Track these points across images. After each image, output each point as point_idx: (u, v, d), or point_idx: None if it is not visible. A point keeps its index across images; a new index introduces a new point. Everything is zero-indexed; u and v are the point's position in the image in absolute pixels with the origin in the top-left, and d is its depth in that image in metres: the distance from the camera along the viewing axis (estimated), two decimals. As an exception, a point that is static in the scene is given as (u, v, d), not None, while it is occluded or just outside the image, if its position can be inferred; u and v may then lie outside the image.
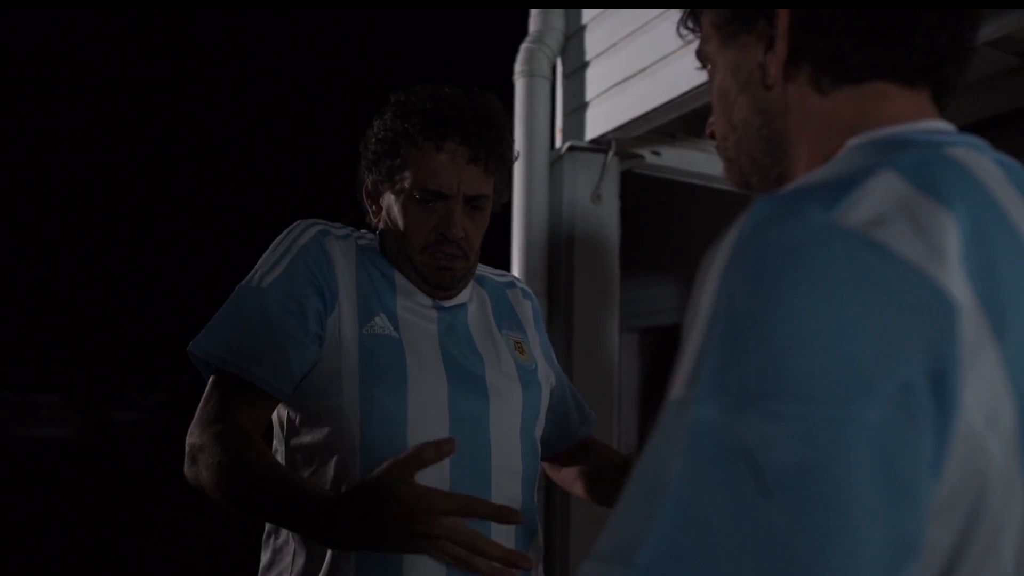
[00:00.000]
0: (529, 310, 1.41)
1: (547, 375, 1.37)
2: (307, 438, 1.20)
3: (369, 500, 0.97)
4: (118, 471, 9.59)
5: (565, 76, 2.89)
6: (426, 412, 1.19)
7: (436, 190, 1.21)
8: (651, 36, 2.46)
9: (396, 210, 1.24)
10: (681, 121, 2.61)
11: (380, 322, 1.21)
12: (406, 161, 1.22)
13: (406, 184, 1.22)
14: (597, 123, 2.72)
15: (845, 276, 0.47)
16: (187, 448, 1.15)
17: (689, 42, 0.76)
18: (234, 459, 1.07)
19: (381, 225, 1.29)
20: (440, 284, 1.25)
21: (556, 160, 2.78)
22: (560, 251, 2.73)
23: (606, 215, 2.76)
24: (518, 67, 2.84)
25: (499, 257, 2.90)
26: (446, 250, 1.22)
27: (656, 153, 2.80)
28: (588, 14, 2.80)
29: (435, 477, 1.11)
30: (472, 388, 1.23)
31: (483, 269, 1.39)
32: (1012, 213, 0.54)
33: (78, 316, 18.27)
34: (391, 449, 1.11)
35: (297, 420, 1.22)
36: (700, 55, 0.73)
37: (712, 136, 0.73)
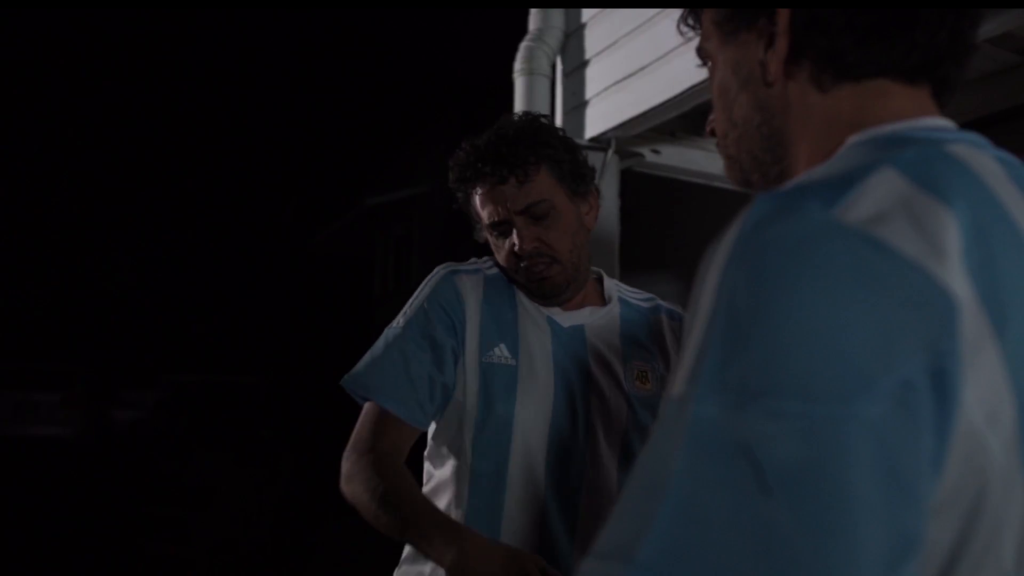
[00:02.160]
0: (676, 333, 1.44)
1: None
2: (436, 448, 1.37)
3: (491, 558, 1.11)
4: (117, 470, 9.59)
5: (565, 74, 2.88)
6: (529, 428, 1.30)
7: (495, 222, 1.33)
8: (651, 34, 2.46)
9: (491, 245, 1.39)
10: (681, 119, 2.61)
11: (499, 352, 1.34)
12: (472, 209, 1.37)
13: (482, 225, 1.37)
14: (597, 121, 2.72)
15: (846, 273, 0.47)
16: (343, 469, 1.30)
17: (689, 40, 0.76)
18: (385, 488, 1.22)
19: None
20: (544, 294, 1.36)
21: (556, 158, 2.78)
22: (560, 249, 2.73)
23: (606, 213, 2.76)
24: (518, 65, 2.84)
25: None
26: (531, 265, 1.33)
27: (656, 151, 2.80)
28: (588, 12, 2.80)
29: (530, 481, 1.28)
30: (577, 410, 1.32)
31: (627, 292, 1.49)
32: (1012, 210, 0.54)
33: (77, 315, 18.27)
34: (496, 457, 1.29)
35: (432, 436, 1.39)
36: (700, 52, 0.73)
37: (712, 134, 0.72)
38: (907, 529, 0.44)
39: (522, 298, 1.38)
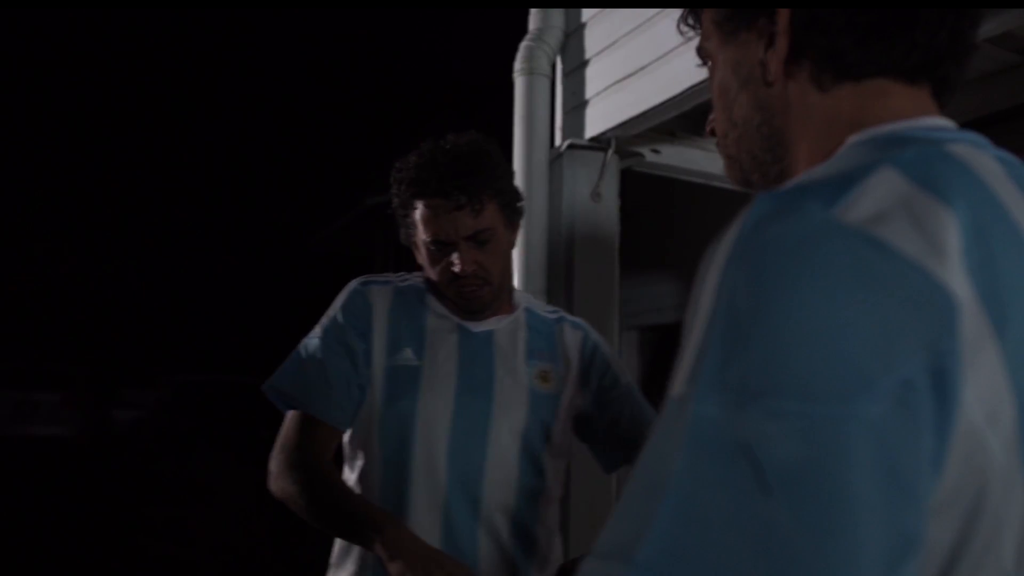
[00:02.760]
0: (577, 343, 1.53)
1: (574, 404, 1.50)
2: (352, 451, 1.48)
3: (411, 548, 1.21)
4: (118, 469, 9.58)
5: (565, 74, 2.88)
6: (431, 422, 1.39)
7: (439, 239, 1.41)
8: (651, 34, 2.46)
9: (423, 256, 1.46)
10: (681, 119, 2.60)
11: (405, 355, 1.43)
12: (413, 220, 1.43)
13: (420, 237, 1.43)
14: (597, 121, 2.72)
15: (846, 273, 0.47)
16: (271, 469, 1.40)
17: (689, 39, 0.76)
18: (312, 480, 1.34)
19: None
20: (470, 310, 1.45)
21: (556, 158, 2.78)
22: (560, 249, 2.73)
23: (606, 213, 2.76)
24: (518, 65, 2.84)
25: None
26: (464, 284, 1.41)
27: (656, 151, 2.80)
28: (588, 12, 2.79)
29: (432, 473, 1.37)
30: (478, 404, 1.41)
31: (535, 304, 1.58)
32: (1013, 210, 0.54)
33: (78, 315, 18.27)
34: (400, 451, 1.39)
35: (347, 440, 1.48)
36: (700, 52, 0.73)
37: (712, 133, 0.73)
38: (907, 529, 0.44)
39: (435, 306, 1.49)
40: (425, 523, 1.36)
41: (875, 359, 0.45)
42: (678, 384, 0.49)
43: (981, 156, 0.56)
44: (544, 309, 1.59)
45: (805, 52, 0.62)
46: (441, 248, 1.42)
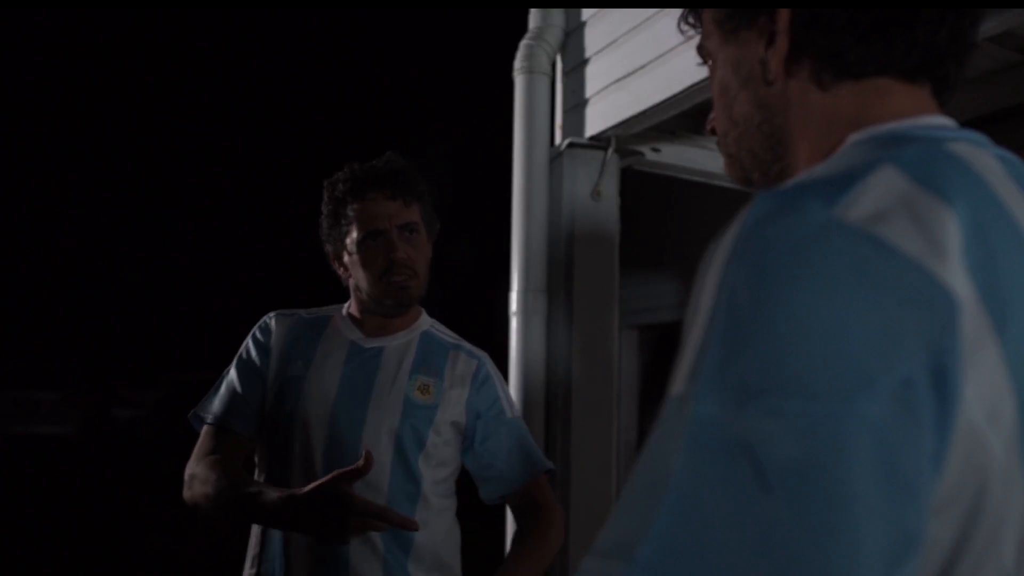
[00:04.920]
0: (470, 370, 1.63)
1: (451, 420, 1.59)
2: (257, 460, 1.65)
3: (310, 502, 1.33)
4: (118, 468, 9.59)
5: (565, 73, 2.88)
6: (309, 425, 1.54)
7: (375, 229, 1.57)
8: (651, 32, 2.46)
9: (355, 258, 1.60)
10: (681, 118, 2.60)
11: (295, 367, 1.60)
12: (348, 220, 1.59)
13: (355, 235, 1.59)
14: (597, 120, 2.72)
15: (846, 272, 0.47)
16: (184, 478, 1.57)
17: (689, 38, 0.76)
18: (218, 476, 1.50)
19: (351, 280, 1.64)
20: (400, 301, 1.58)
21: (556, 157, 2.78)
22: (560, 248, 2.73)
23: (606, 212, 2.76)
24: (518, 64, 2.84)
25: (499, 255, 2.90)
26: (396, 273, 1.56)
27: (656, 150, 2.80)
28: (588, 10, 2.79)
29: (308, 472, 1.50)
30: (355, 407, 1.54)
31: (439, 330, 1.69)
32: (1013, 209, 0.54)
33: (78, 313, 18.27)
34: (283, 451, 1.55)
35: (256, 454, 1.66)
36: (701, 51, 0.73)
37: (713, 132, 0.72)
38: (907, 527, 0.44)
39: (334, 327, 1.64)
40: None
41: (875, 358, 0.45)
42: (678, 383, 0.48)
43: (981, 155, 0.56)
44: (446, 335, 1.69)
45: (805, 51, 0.62)
46: (376, 239, 1.56)
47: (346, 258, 1.63)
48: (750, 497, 0.43)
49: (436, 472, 1.58)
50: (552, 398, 2.68)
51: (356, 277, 1.61)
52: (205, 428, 1.62)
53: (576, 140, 2.75)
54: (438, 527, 1.58)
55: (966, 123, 0.62)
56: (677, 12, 0.75)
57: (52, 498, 8.04)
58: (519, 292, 2.72)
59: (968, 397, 0.47)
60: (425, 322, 1.69)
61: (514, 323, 2.73)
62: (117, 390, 14.67)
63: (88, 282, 18.61)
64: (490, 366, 1.67)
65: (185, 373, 12.28)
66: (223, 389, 1.63)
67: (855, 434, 0.43)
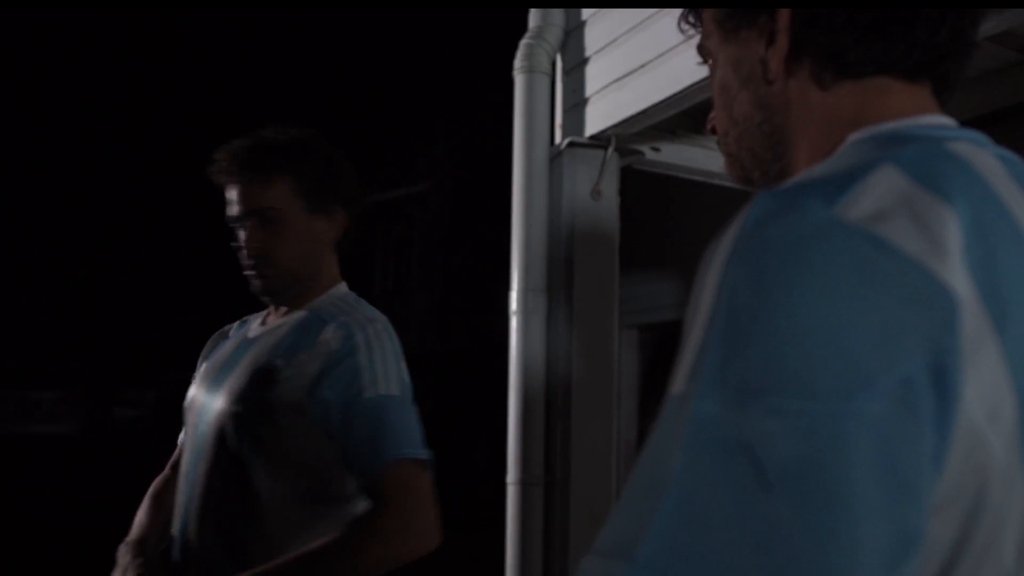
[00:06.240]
0: (336, 339, 1.40)
1: (293, 401, 1.38)
2: None
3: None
4: (118, 467, 9.59)
5: (565, 72, 2.88)
6: (191, 409, 1.54)
7: (231, 217, 1.47)
8: (651, 32, 2.46)
9: None
10: (681, 117, 2.60)
11: (203, 365, 1.62)
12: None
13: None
14: (597, 119, 2.71)
15: (846, 271, 0.47)
16: None
17: (690, 37, 0.76)
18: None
19: None
20: (259, 292, 1.51)
21: (556, 156, 2.78)
22: (560, 247, 2.73)
23: (606, 211, 2.76)
24: (517, 63, 2.84)
25: (499, 255, 2.90)
26: (246, 268, 1.48)
27: (656, 149, 2.80)
28: (588, 9, 2.79)
29: (182, 455, 1.53)
30: (212, 394, 1.49)
31: (341, 308, 1.48)
32: (1013, 208, 0.54)
33: (78, 313, 18.27)
34: (186, 437, 1.55)
35: None
36: (701, 50, 0.73)
37: (713, 131, 0.73)
38: (908, 527, 0.44)
39: (248, 325, 1.60)
40: (178, 505, 1.47)
41: (876, 357, 0.45)
42: (678, 382, 0.48)
43: (982, 154, 0.56)
44: (340, 311, 1.47)
45: (806, 50, 0.62)
46: (237, 227, 1.47)
47: None
48: (750, 496, 0.43)
49: (276, 461, 1.38)
50: (552, 398, 2.68)
51: None
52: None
53: (576, 139, 2.75)
54: (276, 526, 1.40)
55: (966, 123, 0.62)
56: (677, 11, 0.75)
57: (52, 498, 8.04)
58: (519, 291, 2.72)
59: (968, 396, 0.47)
60: (323, 303, 1.49)
61: (514, 323, 2.73)
62: (117, 390, 14.68)
63: (88, 282, 18.62)
64: (359, 337, 1.40)
65: (185, 373, 12.27)
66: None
67: (855, 433, 0.43)
